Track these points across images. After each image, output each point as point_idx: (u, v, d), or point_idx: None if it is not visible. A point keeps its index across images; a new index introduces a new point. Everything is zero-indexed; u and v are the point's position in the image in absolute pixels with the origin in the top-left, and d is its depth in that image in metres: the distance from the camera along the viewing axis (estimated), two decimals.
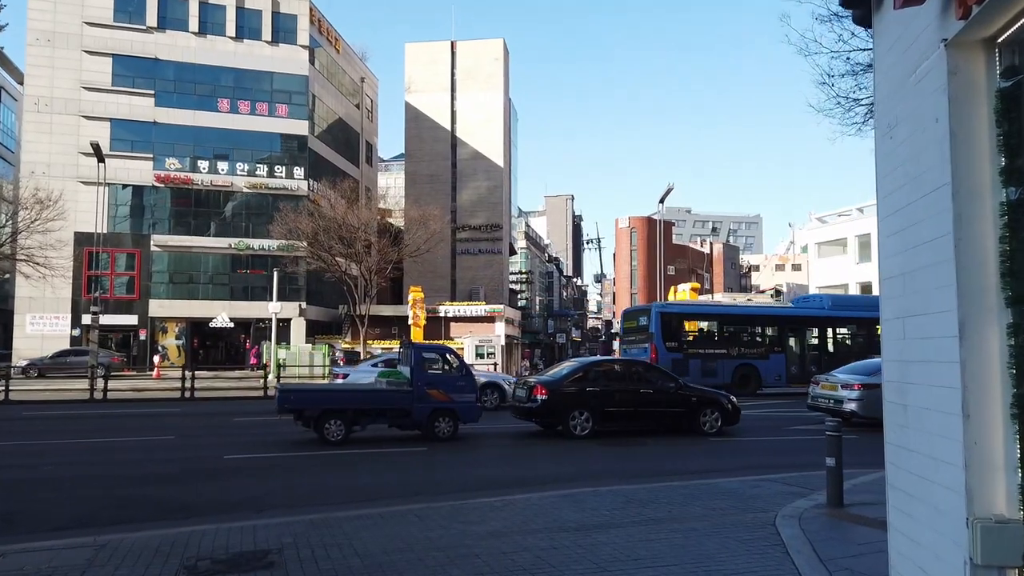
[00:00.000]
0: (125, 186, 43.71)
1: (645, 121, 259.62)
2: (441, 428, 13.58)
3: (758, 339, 27.63)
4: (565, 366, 15.80)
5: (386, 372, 15.07)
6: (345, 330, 49.18)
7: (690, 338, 26.81)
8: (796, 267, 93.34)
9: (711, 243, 78.29)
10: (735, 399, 15.42)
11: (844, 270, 52.51)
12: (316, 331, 48.21)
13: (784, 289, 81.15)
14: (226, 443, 13.52)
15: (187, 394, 22.78)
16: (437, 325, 52.40)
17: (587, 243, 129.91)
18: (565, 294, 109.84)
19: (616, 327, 76.11)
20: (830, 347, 28.33)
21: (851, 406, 16.02)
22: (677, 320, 27.05)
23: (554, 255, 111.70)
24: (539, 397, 14.19)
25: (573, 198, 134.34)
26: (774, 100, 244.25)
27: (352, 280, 40.34)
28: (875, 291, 49.56)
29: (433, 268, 60.05)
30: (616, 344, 43.12)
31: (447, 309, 53.02)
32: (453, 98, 63.98)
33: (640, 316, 27.95)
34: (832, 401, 16.59)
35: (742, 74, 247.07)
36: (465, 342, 47.71)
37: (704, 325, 27.87)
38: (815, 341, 28.32)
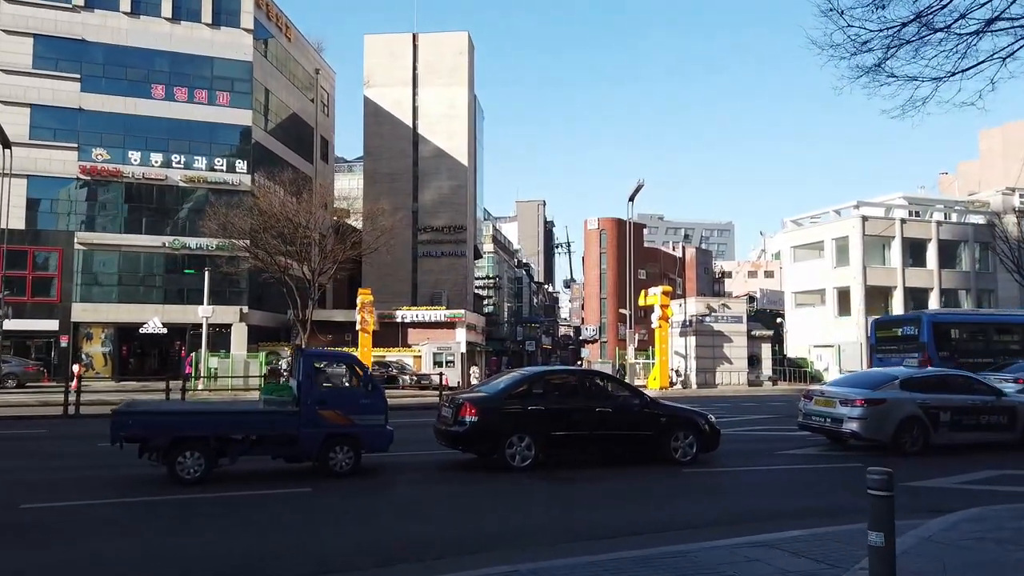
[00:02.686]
0: (46, 178, 39.77)
1: (619, 128, 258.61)
2: (337, 460, 10.44)
3: (1014, 346, 27.26)
4: (504, 378, 12.74)
5: (271, 387, 11.92)
6: (294, 337, 45.69)
7: (959, 347, 26.78)
8: (768, 274, 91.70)
9: (683, 247, 75.97)
10: (713, 419, 12.51)
11: (821, 275, 50.26)
12: (261, 338, 44.63)
13: (757, 295, 79.25)
14: (47, 481, 10.26)
15: (70, 410, 19.30)
16: (393, 331, 49.16)
17: (557, 247, 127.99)
18: (536, 300, 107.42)
19: (586, 333, 73.77)
20: None
21: (852, 426, 13.24)
22: (946, 329, 27.25)
23: (524, 261, 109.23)
24: (467, 418, 11.12)
25: (545, 203, 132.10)
26: (749, 108, 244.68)
27: (294, 281, 36.91)
28: (854, 296, 47.62)
29: (393, 271, 56.84)
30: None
31: (404, 314, 49.76)
32: (415, 93, 60.93)
33: (904, 326, 28.11)
34: (829, 420, 13.79)
35: (719, 82, 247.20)
36: (422, 349, 44.56)
37: (971, 333, 27.98)
38: None
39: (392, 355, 43.88)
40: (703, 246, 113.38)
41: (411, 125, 60.34)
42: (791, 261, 54.25)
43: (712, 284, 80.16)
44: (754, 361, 42.38)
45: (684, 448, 11.98)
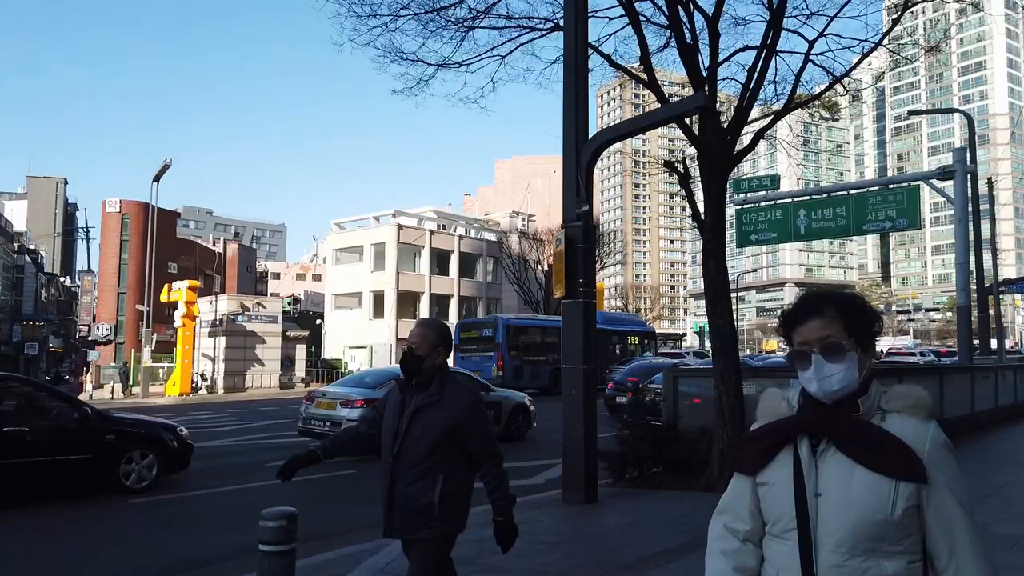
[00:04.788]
0: None
1: (172, 116, 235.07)
2: None
3: (558, 347, 28.36)
4: None
5: None
6: None
7: (524, 347, 29.70)
8: (316, 277, 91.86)
9: (225, 242, 71.15)
10: (186, 432, 10.22)
11: (359, 278, 51.41)
12: None
13: (303, 297, 78.50)
14: None
15: None
16: None
17: (80, 231, 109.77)
18: (46, 295, 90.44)
19: (98, 333, 63.54)
20: (617, 353, 32.92)
21: None
22: (516, 331, 29.97)
23: (33, 247, 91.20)
24: None
25: (66, 182, 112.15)
26: (314, 115, 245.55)
27: None
28: (388, 299, 49.76)
29: None
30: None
31: None
32: None
33: (483, 328, 30.75)
34: (329, 424, 12.65)
35: (282, 85, 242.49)
36: None
37: (533, 336, 30.91)
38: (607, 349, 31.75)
39: None
40: (255, 245, 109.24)
41: None
42: (333, 263, 54.54)
43: (256, 283, 76.92)
44: (288, 363, 41.01)
45: (141, 472, 9.45)
